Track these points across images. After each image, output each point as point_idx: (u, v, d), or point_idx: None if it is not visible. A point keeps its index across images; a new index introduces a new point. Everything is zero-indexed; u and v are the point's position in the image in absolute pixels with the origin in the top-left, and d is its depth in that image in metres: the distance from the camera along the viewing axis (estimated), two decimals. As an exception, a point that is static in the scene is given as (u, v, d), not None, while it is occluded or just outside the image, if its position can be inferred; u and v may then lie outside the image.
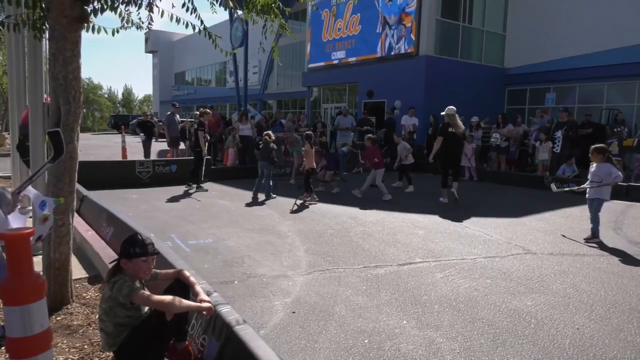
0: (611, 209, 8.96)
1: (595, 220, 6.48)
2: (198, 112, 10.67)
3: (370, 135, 10.44)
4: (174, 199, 9.02)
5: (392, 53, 18.35)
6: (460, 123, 9.52)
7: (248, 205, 8.66)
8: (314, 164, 9.24)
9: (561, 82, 17.82)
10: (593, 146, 6.62)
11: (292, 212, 8.03)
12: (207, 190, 10.05)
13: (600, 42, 16.18)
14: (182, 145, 14.76)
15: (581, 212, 8.53)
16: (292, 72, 28.95)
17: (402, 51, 17.89)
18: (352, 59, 20.35)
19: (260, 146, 9.63)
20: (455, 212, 8.16)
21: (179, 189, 10.14)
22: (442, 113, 9.69)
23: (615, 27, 15.84)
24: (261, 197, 9.40)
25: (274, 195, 9.42)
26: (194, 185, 10.11)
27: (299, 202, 8.65)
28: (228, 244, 5.85)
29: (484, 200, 9.99)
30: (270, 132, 10.09)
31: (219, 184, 11.00)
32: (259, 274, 4.72)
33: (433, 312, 3.86)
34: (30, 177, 2.06)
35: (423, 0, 17.11)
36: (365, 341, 3.33)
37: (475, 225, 7.21)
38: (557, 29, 17.43)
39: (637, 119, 15.15)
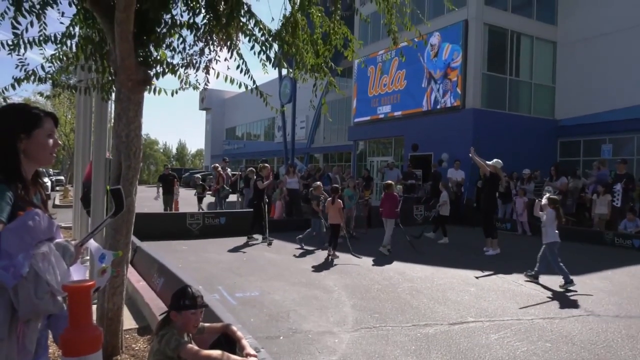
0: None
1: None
2: (258, 166, 11.19)
3: (389, 181, 10.27)
4: (222, 251, 9.15)
5: (438, 107, 18.43)
6: (503, 176, 9.53)
7: (295, 258, 8.66)
8: (340, 220, 8.79)
9: (617, 133, 17.15)
10: None
11: (337, 266, 7.93)
12: (272, 242, 10.16)
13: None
14: (230, 197, 15.08)
15: (648, 271, 7.95)
16: (338, 126, 29.53)
17: (449, 105, 17.95)
18: (397, 113, 20.58)
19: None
20: (509, 269, 7.80)
21: (228, 241, 10.30)
22: (489, 162, 9.56)
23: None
24: (309, 249, 9.38)
25: (303, 245, 9.53)
26: (258, 237, 10.33)
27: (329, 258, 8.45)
28: (274, 297, 5.82)
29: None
30: (318, 183, 10.21)
31: (266, 237, 11.09)
32: (304, 330, 4.64)
33: (488, 377, 3.62)
34: (92, 231, 2.17)
35: (469, 55, 17.30)
36: (416, 406, 3.15)
37: (531, 283, 6.84)
38: (608, 79, 17.02)
39: None
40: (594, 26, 17.71)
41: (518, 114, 18.32)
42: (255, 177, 10.87)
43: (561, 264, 6.80)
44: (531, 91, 18.91)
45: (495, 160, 9.55)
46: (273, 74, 33.41)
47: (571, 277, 6.64)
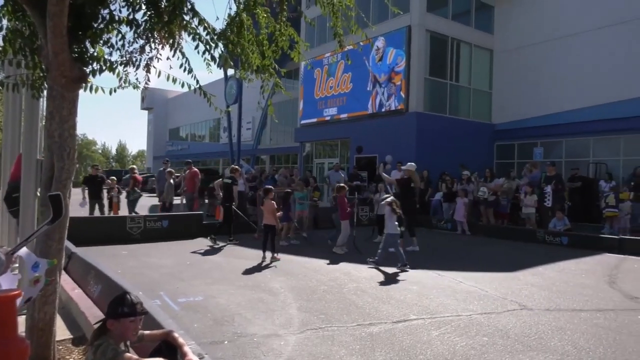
0: (604, 262, 8.96)
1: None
2: (230, 168, 11.65)
3: (340, 184, 10.44)
4: (164, 256, 8.88)
5: (383, 110, 18.85)
6: (419, 179, 9.97)
7: (241, 261, 8.55)
8: (274, 221, 8.68)
9: (548, 137, 18.30)
10: None
11: (284, 268, 7.92)
12: (237, 242, 10.30)
13: (584, 99, 16.82)
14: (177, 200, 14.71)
15: (575, 266, 8.51)
16: (285, 128, 29.51)
17: (393, 108, 18.39)
18: (343, 116, 20.84)
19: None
20: (449, 267, 8.10)
21: (171, 245, 10.02)
22: (403, 167, 9.98)
23: (597, 84, 16.50)
24: (253, 253, 9.30)
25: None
26: (227, 239, 10.37)
27: (268, 262, 8.37)
28: (219, 301, 5.72)
29: (477, 254, 9.95)
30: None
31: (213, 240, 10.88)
32: (250, 333, 4.59)
33: (429, 373, 3.74)
34: (25, 238, 2.04)
35: (412, 60, 17.82)
36: (360, 405, 3.20)
37: (470, 280, 7.13)
38: (541, 86, 18.14)
39: (624, 173, 15.43)
40: (526, 36, 18.82)
41: (458, 117, 19.08)
42: (230, 180, 10.94)
43: (401, 250, 8.13)
44: (470, 96, 19.78)
45: (409, 164, 9.96)
46: (219, 73, 32.93)
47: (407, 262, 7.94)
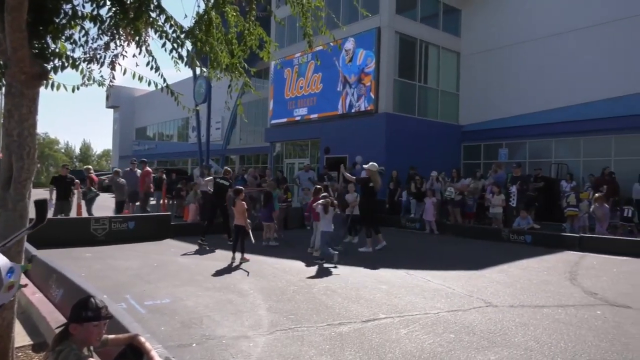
0: (565, 259, 9.28)
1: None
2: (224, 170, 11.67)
3: (317, 185, 10.50)
4: (130, 258, 8.68)
5: (353, 110, 18.97)
6: (379, 179, 10.14)
7: (209, 262, 8.44)
8: (244, 221, 8.58)
9: (512, 139, 18.84)
10: None
11: (253, 269, 7.87)
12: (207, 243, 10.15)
13: (546, 102, 17.41)
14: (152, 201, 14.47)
15: (538, 264, 8.78)
16: (255, 128, 29.31)
17: (362, 109, 18.53)
18: (314, 116, 20.87)
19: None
20: (418, 266, 8.22)
21: (138, 247, 9.81)
22: (365, 166, 10.13)
23: (559, 87, 17.11)
24: (223, 254, 9.20)
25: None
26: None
27: (237, 263, 8.29)
28: (187, 303, 5.64)
29: (445, 253, 10.14)
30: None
31: (179, 241, 10.71)
32: (218, 336, 4.54)
33: (398, 371, 3.78)
34: (3, 244, 1.95)
35: (381, 61, 18.00)
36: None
37: (438, 279, 7.26)
38: (505, 88, 18.68)
39: (584, 173, 16.03)
40: (491, 40, 19.33)
41: (427, 119, 19.40)
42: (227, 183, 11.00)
43: (329, 248, 8.42)
44: (438, 98, 20.15)
45: (370, 163, 10.07)
46: (188, 72, 32.40)
47: (335, 257, 8.24)
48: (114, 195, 13.58)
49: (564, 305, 5.89)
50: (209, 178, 11.81)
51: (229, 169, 11.77)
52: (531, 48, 18.06)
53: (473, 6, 20.22)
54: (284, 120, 22.63)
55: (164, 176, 17.48)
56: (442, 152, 19.08)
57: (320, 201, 8.78)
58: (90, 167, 14.69)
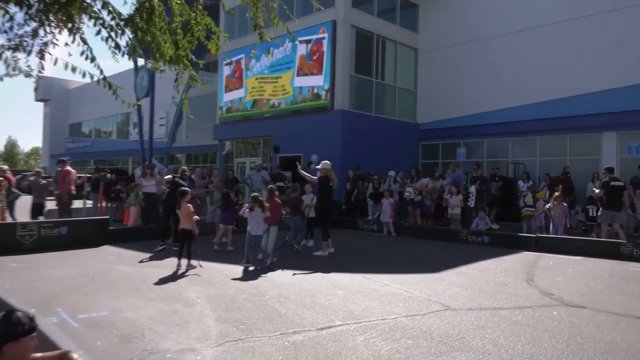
0: (522, 260, 9.68)
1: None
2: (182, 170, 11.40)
3: (271, 186, 10.47)
4: (63, 266, 8.32)
5: (307, 107, 19.00)
6: (336, 178, 10.33)
7: (152, 270, 8.22)
8: (189, 225, 8.40)
9: (470, 138, 19.49)
10: None
11: (200, 276, 7.73)
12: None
13: (502, 101, 18.12)
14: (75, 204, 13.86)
15: (496, 265, 9.12)
16: (203, 125, 28.82)
17: (318, 105, 18.59)
18: (266, 113, 20.75)
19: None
20: (375, 270, 8.34)
21: (71, 254, 9.40)
22: (318, 167, 10.27)
23: (515, 86, 17.84)
24: (167, 261, 8.98)
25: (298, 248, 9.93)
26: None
27: (184, 270, 8.12)
28: (127, 315, 5.46)
29: (403, 255, 10.34)
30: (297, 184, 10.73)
31: (118, 247, 10.37)
32: (162, 349, 4.42)
33: (354, 380, 3.82)
34: None
35: (337, 55, 18.12)
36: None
37: (395, 283, 7.39)
38: (463, 86, 19.30)
39: (540, 172, 16.78)
40: (449, 36, 19.92)
41: (384, 116, 19.72)
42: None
43: (250, 251, 8.64)
44: (395, 95, 20.53)
45: (323, 162, 10.21)
46: (129, 64, 31.42)
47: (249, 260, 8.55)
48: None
49: (521, 307, 6.14)
50: (168, 177, 11.48)
51: (185, 168, 11.59)
52: (489, 45, 18.74)
53: (431, 2, 20.75)
54: (233, 114, 22.40)
55: (109, 176, 16.85)
56: (400, 150, 19.47)
57: (246, 205, 8.96)
58: (5, 166, 14.10)
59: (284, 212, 9.71)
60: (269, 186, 10.56)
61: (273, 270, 8.25)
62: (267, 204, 9.03)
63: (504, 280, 7.72)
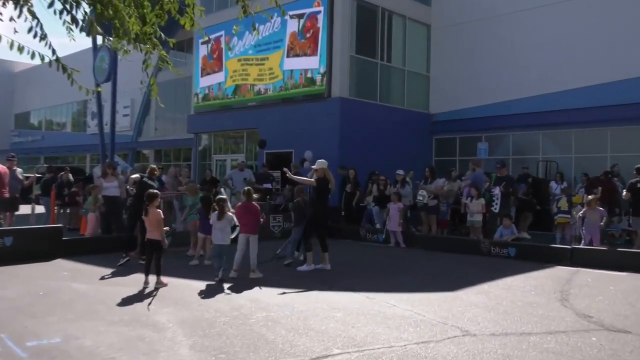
0: (555, 276, 9.71)
1: None
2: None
3: (248, 187, 10.44)
4: (7, 284, 8.29)
5: (300, 94, 19.01)
6: (332, 177, 10.42)
7: (114, 288, 8.19)
8: (158, 235, 8.37)
9: (492, 131, 19.43)
10: None
11: (172, 295, 7.72)
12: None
13: (531, 87, 18.09)
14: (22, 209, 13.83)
15: (524, 282, 9.14)
16: (175, 115, 28.81)
17: (312, 92, 18.60)
18: (250, 100, 20.76)
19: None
20: (380, 288, 8.34)
21: (17, 270, 9.36)
22: (314, 167, 10.30)
23: (546, 70, 17.81)
24: (132, 278, 8.97)
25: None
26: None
27: (152, 288, 8.11)
28: (84, 343, 5.45)
29: (414, 271, 10.35)
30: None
31: (74, 261, 10.34)
32: (126, 384, 4.41)
33: (356, 419, 3.82)
34: None
35: (334, 33, 18.08)
36: None
37: (404, 303, 7.40)
38: (484, 70, 19.26)
39: (576, 172, 16.81)
40: (468, 10, 19.86)
41: (390, 105, 19.71)
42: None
43: (220, 262, 8.82)
44: (404, 80, 20.51)
45: (319, 161, 10.23)
46: (86, 42, 31.31)
47: (222, 271, 8.71)
48: None
49: (554, 332, 6.15)
50: (136, 176, 11.46)
51: (154, 167, 11.68)
52: (512, 21, 18.72)
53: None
54: (211, 102, 22.41)
55: (71, 177, 16.74)
56: (410, 146, 19.45)
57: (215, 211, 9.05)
58: None
59: (262, 219, 9.63)
60: (246, 187, 10.46)
61: (260, 288, 8.25)
62: (230, 211, 9.10)
63: (533, 300, 7.74)
